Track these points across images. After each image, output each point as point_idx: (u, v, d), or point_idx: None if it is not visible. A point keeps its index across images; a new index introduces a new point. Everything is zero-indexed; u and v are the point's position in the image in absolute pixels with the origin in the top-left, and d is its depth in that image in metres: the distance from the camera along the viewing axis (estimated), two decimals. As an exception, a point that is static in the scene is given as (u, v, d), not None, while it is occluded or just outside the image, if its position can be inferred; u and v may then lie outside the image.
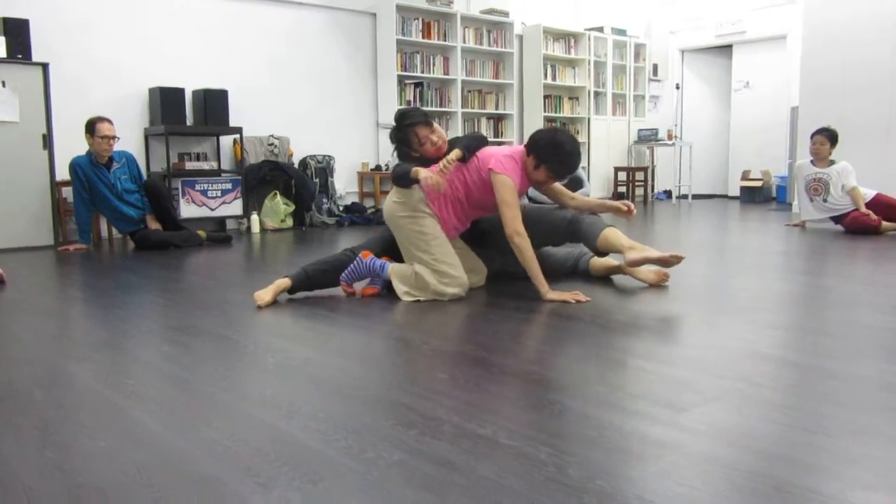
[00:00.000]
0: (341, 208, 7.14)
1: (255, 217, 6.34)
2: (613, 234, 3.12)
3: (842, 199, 5.56)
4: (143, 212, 5.26)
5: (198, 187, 6.04)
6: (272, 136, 6.74)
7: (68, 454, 1.42)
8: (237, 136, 6.41)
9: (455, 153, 3.02)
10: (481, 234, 3.37)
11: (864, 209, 5.38)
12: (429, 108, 7.73)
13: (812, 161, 5.74)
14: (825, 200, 5.64)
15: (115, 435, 1.52)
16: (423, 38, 7.66)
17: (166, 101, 5.89)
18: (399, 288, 3.01)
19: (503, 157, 3.05)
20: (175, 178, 5.95)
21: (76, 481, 1.30)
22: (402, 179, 3.07)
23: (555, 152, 3.04)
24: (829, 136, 5.65)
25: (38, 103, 5.14)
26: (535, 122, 8.88)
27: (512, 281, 3.37)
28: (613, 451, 1.39)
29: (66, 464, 1.38)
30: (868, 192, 5.53)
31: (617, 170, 9.64)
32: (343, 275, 3.10)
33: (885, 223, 5.34)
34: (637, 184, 9.70)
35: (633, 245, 3.04)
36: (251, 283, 3.49)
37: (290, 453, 1.41)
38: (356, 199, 7.46)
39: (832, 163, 5.66)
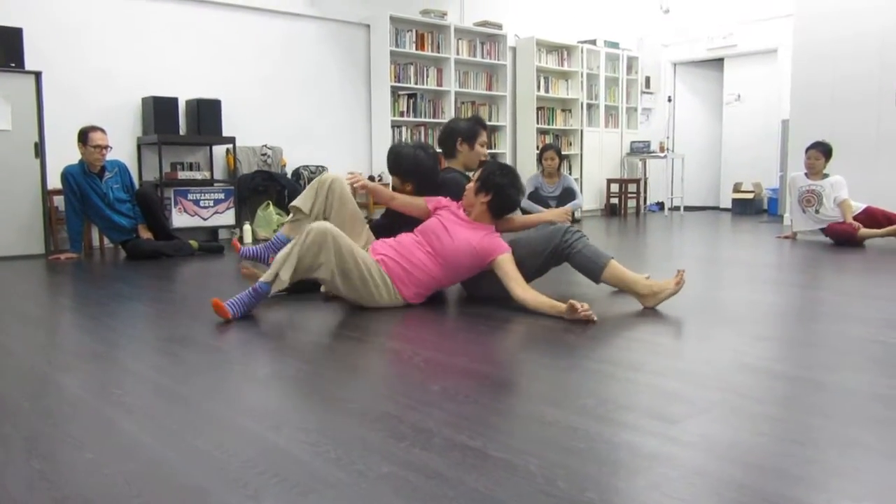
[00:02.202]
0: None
1: (247, 227, 6.33)
2: (618, 270, 3.01)
3: (833, 211, 5.62)
4: (135, 221, 5.24)
5: (190, 197, 6.03)
6: (265, 146, 6.74)
7: (56, 465, 1.41)
8: (230, 145, 6.41)
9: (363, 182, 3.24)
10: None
11: (850, 221, 5.43)
12: (422, 120, 7.76)
13: (806, 174, 5.81)
14: (817, 212, 5.69)
15: (104, 445, 1.51)
16: (416, 49, 7.69)
17: (159, 111, 5.88)
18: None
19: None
20: (167, 188, 5.94)
21: (63, 492, 1.29)
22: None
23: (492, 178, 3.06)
24: (823, 151, 5.72)
25: (31, 112, 5.13)
26: (527, 133, 8.91)
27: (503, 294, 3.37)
28: (603, 463, 1.39)
29: (54, 474, 1.37)
30: (858, 206, 5.59)
31: (609, 182, 9.68)
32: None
33: (863, 229, 5.39)
34: (629, 196, 9.74)
35: (644, 292, 2.96)
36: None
37: (279, 465, 1.40)
38: (349, 210, 7.44)
39: (826, 176, 5.73)
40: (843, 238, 5.47)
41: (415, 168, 3.33)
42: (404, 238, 3.07)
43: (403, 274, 2.97)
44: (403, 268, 2.98)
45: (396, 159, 3.37)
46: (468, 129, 3.53)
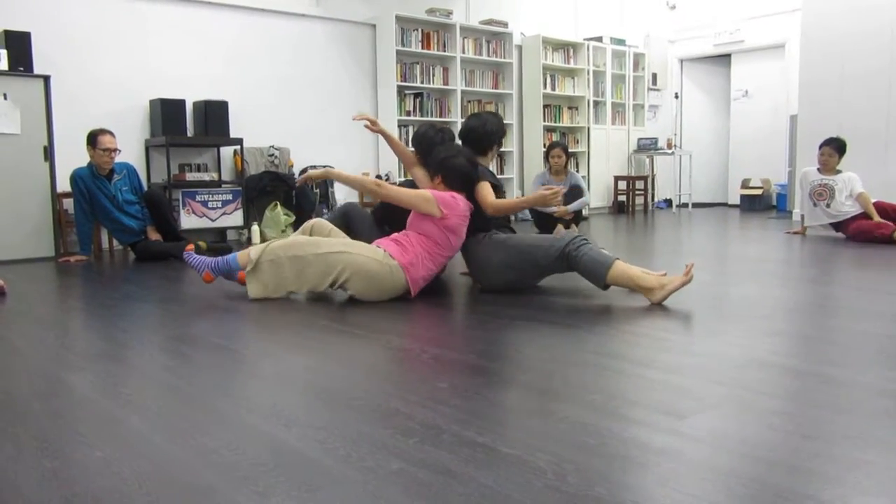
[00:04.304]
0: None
1: (255, 228, 6.35)
2: (623, 269, 3.01)
3: (844, 206, 5.58)
4: (144, 223, 5.27)
5: (198, 198, 6.05)
6: (272, 146, 6.76)
7: (66, 463, 1.42)
8: (238, 147, 6.43)
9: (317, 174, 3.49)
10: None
11: (875, 214, 5.39)
12: (428, 119, 7.76)
13: (819, 169, 5.77)
14: (828, 206, 5.66)
15: (113, 444, 1.52)
16: (422, 48, 7.69)
17: (167, 113, 5.91)
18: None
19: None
20: (175, 190, 5.96)
21: (73, 490, 1.29)
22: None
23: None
24: (836, 148, 5.69)
25: (40, 115, 5.16)
26: (534, 131, 8.90)
27: (511, 291, 3.37)
28: (612, 459, 1.38)
29: (64, 473, 1.37)
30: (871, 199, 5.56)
31: (617, 179, 9.66)
32: (212, 265, 3.37)
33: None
34: (637, 193, 9.71)
35: (650, 285, 2.97)
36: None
37: (288, 462, 1.40)
38: (356, 210, 7.45)
39: (839, 172, 5.70)
40: (869, 239, 5.37)
41: (419, 140, 3.70)
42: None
43: (396, 245, 3.20)
44: (393, 241, 3.24)
45: (415, 135, 3.80)
46: (503, 133, 3.72)
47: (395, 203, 3.25)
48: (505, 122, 8.46)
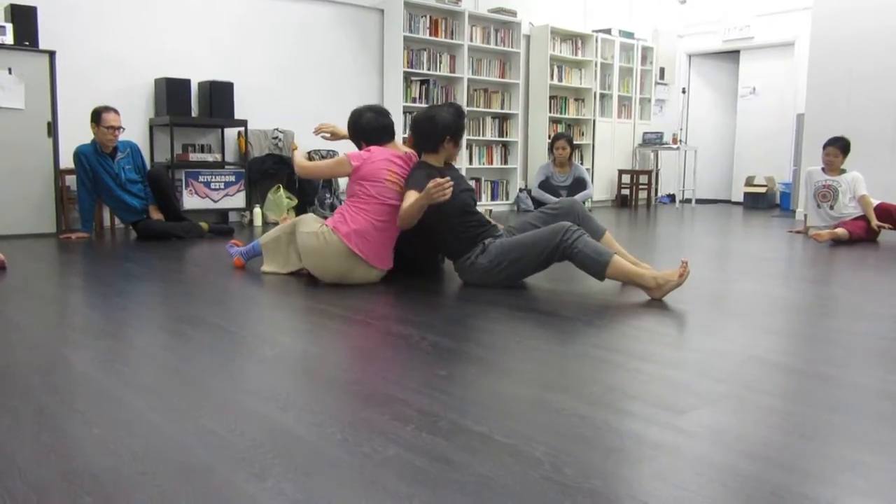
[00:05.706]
0: (343, 203, 7.14)
1: (257, 210, 6.34)
2: (620, 267, 2.97)
3: (847, 208, 5.57)
4: (146, 202, 5.26)
5: (201, 179, 6.04)
6: (277, 129, 6.74)
7: (64, 439, 1.42)
8: (242, 128, 6.41)
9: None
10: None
11: (874, 218, 5.38)
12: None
13: (823, 169, 5.75)
14: (832, 208, 5.64)
15: (111, 422, 1.52)
16: (430, 35, 7.65)
17: (172, 93, 5.89)
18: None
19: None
20: (179, 170, 5.95)
21: (71, 466, 1.30)
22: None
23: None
24: (840, 147, 5.66)
25: (44, 91, 5.14)
26: (540, 122, 8.87)
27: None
28: (609, 452, 1.39)
29: (62, 449, 1.38)
30: (872, 202, 5.54)
31: (621, 172, 9.64)
32: (243, 251, 3.76)
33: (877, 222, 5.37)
34: (641, 187, 9.69)
35: (648, 284, 2.95)
36: (251, 276, 3.49)
37: (284, 445, 1.40)
38: (359, 195, 7.44)
39: (843, 172, 5.68)
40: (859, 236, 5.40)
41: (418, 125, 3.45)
42: None
43: (338, 216, 3.30)
44: (337, 216, 3.32)
45: (413, 120, 3.65)
46: (458, 127, 3.28)
47: (318, 176, 3.56)
48: (510, 112, 8.55)
